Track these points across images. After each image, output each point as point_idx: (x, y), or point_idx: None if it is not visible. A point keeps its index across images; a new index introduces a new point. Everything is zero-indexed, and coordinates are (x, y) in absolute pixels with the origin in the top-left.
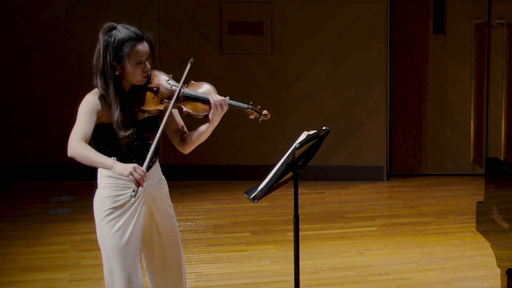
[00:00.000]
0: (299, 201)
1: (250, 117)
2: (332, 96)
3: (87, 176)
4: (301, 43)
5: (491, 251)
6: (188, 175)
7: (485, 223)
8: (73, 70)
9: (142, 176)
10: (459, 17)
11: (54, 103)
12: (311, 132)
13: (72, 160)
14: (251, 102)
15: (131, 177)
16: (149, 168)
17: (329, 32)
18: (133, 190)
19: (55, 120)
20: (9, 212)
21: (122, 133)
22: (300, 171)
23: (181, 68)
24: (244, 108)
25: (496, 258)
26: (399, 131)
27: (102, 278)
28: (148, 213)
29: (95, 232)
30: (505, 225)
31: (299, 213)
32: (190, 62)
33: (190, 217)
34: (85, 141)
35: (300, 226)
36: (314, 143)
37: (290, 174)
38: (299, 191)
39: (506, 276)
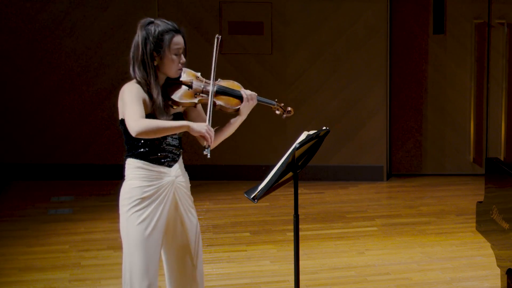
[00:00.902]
0: (299, 201)
1: (276, 112)
2: (332, 96)
3: (87, 176)
4: (301, 43)
5: (491, 251)
6: (188, 175)
7: (485, 223)
8: (73, 70)
9: (212, 135)
10: (459, 17)
11: (54, 103)
12: (311, 132)
13: (72, 160)
14: (276, 99)
15: (207, 134)
16: (174, 160)
17: (329, 32)
18: (207, 148)
19: (55, 120)
20: (9, 212)
21: (164, 118)
22: (300, 171)
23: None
24: (271, 104)
25: (496, 258)
26: (399, 131)
27: (102, 278)
28: (173, 204)
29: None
30: (505, 225)
31: (299, 213)
32: (217, 38)
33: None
34: None
35: (300, 226)
36: (314, 143)
37: (290, 174)
38: (299, 191)
39: (506, 276)
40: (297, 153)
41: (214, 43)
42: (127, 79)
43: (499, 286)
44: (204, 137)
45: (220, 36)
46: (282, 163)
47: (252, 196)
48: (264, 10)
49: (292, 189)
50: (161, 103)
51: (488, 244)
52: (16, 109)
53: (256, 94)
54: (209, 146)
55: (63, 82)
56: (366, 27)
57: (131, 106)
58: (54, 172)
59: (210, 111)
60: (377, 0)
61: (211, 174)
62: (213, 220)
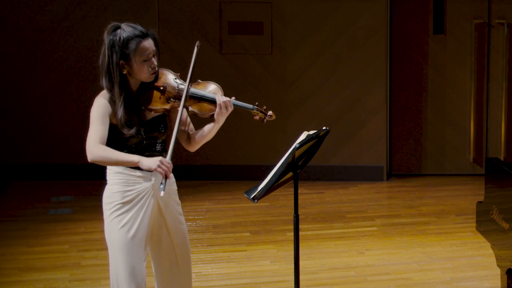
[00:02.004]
0: (299, 201)
1: (255, 118)
2: (332, 96)
3: (87, 176)
4: (301, 43)
5: (491, 251)
6: (188, 175)
7: (485, 223)
8: (73, 70)
9: (168, 168)
10: (459, 17)
11: (54, 103)
12: (311, 132)
13: (72, 160)
14: (257, 103)
15: (159, 169)
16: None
17: (329, 32)
18: (161, 183)
19: (55, 120)
20: (9, 212)
21: (126, 131)
22: (300, 171)
23: (181, 68)
24: (249, 108)
25: (496, 258)
26: (399, 131)
27: (102, 278)
28: (156, 209)
29: (102, 230)
30: (505, 225)
31: (299, 213)
32: (197, 46)
33: (190, 217)
34: (103, 144)
35: (300, 226)
36: (314, 143)
37: (290, 174)
38: (299, 191)
39: (506, 276)
40: (297, 153)
41: (193, 51)
42: None
43: (499, 286)
44: (158, 172)
45: (199, 43)
46: (282, 163)
47: (252, 196)
48: (264, 10)
49: (292, 189)
50: (122, 116)
51: (488, 244)
52: (16, 109)
53: (232, 99)
54: (164, 181)
55: (63, 82)
56: (366, 27)
57: (92, 126)
58: (54, 172)
59: (173, 142)
60: (377, 0)
61: (211, 174)
62: (213, 220)
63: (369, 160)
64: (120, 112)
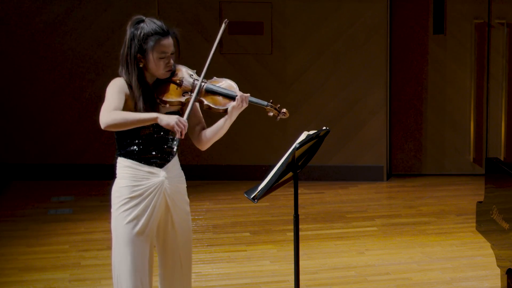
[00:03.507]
0: (299, 201)
1: (269, 114)
2: (332, 96)
3: (87, 176)
4: (301, 43)
5: (491, 251)
6: (188, 175)
7: (485, 223)
8: (73, 70)
9: (185, 127)
10: (459, 17)
11: (54, 103)
12: (311, 132)
13: (72, 160)
14: (271, 100)
15: (176, 127)
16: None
17: (329, 32)
18: (175, 140)
19: (55, 120)
20: (9, 212)
21: None
22: (300, 171)
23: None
24: (263, 105)
25: (496, 258)
26: (399, 131)
27: (102, 278)
28: (164, 206)
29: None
30: (505, 225)
31: (299, 213)
32: (225, 23)
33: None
34: None
35: (300, 226)
36: (314, 143)
37: (290, 174)
38: (299, 191)
39: (506, 276)
40: (297, 153)
41: (220, 31)
42: None
43: (499, 286)
44: (173, 130)
45: (227, 20)
46: (282, 163)
47: (252, 196)
48: (264, 10)
49: (292, 189)
50: (142, 107)
51: (488, 244)
52: (16, 109)
53: (249, 95)
54: (178, 139)
55: (63, 82)
56: (366, 27)
57: (107, 100)
58: (54, 172)
59: (191, 103)
60: (377, 0)
61: (211, 174)
62: (213, 220)
63: (369, 160)
64: (140, 103)
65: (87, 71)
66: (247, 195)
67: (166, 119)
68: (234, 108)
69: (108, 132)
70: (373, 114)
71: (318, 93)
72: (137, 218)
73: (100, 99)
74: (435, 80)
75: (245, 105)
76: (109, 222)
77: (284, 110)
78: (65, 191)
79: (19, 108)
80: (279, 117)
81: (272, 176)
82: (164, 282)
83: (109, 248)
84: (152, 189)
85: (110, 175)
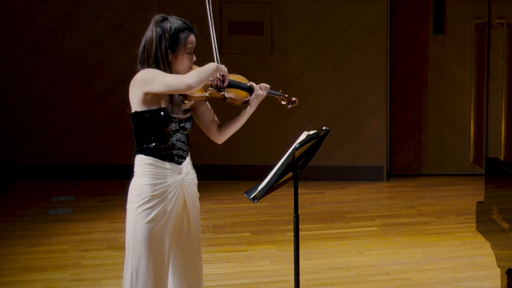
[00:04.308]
0: (299, 201)
1: (282, 102)
2: (332, 96)
3: (87, 176)
4: (301, 43)
5: (491, 251)
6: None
7: (485, 223)
8: (73, 70)
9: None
10: (459, 17)
11: (54, 103)
12: (311, 132)
13: (72, 160)
14: (280, 91)
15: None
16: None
17: (329, 32)
18: (223, 88)
19: (55, 120)
20: (9, 212)
21: (180, 113)
22: (300, 171)
23: None
24: (278, 95)
25: (496, 258)
26: (399, 131)
27: (102, 278)
28: (182, 202)
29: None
30: (505, 225)
31: (299, 213)
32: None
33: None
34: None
35: (300, 226)
36: (314, 143)
37: (290, 174)
38: (299, 191)
39: (506, 276)
40: (297, 153)
41: (206, 5)
42: (128, 79)
43: (499, 286)
44: (226, 77)
45: None
46: (282, 163)
47: (252, 196)
48: (264, 10)
49: (292, 189)
50: (177, 97)
51: (488, 244)
52: (16, 109)
53: (269, 86)
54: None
55: (63, 82)
56: (366, 27)
57: (161, 75)
58: (54, 172)
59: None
60: (377, 0)
61: (211, 174)
62: (213, 220)
63: (369, 160)
64: (176, 95)
65: (87, 71)
66: (247, 195)
67: (222, 67)
68: (254, 98)
69: (108, 132)
70: (373, 114)
71: (318, 93)
72: (158, 216)
73: (100, 99)
74: (435, 80)
75: (265, 94)
76: (124, 222)
77: (294, 98)
78: (65, 191)
79: (19, 108)
80: (290, 106)
81: (272, 176)
82: (178, 276)
83: (109, 248)
84: (173, 186)
85: (110, 175)
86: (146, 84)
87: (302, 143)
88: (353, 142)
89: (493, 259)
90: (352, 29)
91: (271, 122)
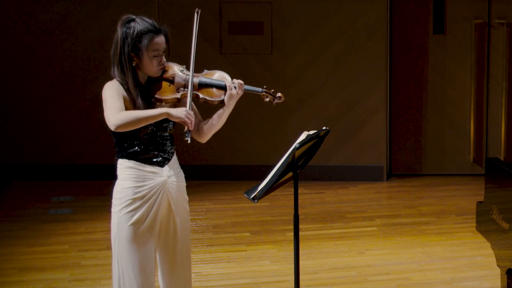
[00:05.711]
0: (299, 201)
1: (265, 100)
2: (332, 96)
3: (87, 176)
4: (301, 43)
5: (491, 251)
6: (188, 175)
7: (485, 223)
8: (73, 70)
9: (193, 117)
10: (459, 17)
11: (54, 103)
12: (311, 132)
13: (72, 160)
14: (265, 86)
15: (186, 119)
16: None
17: (329, 32)
18: (187, 132)
19: (55, 120)
20: (9, 212)
21: None
22: (300, 171)
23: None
24: (258, 92)
25: (496, 258)
26: (399, 131)
27: (102, 278)
28: (167, 205)
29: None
30: (505, 225)
31: (299, 213)
32: (197, 12)
33: (190, 217)
34: None
35: (300, 226)
36: (314, 143)
37: (290, 174)
38: (299, 191)
39: (506, 276)
40: (297, 153)
41: (194, 21)
42: None
43: (499, 286)
44: (184, 122)
45: (199, 10)
46: (282, 163)
47: (252, 196)
48: (264, 10)
49: (292, 189)
50: (141, 104)
51: (488, 244)
52: (16, 109)
53: (243, 82)
54: (189, 130)
55: (63, 82)
56: (366, 27)
57: (110, 101)
58: (54, 172)
59: (189, 96)
60: (377, 0)
61: (211, 174)
62: (213, 220)
63: (369, 160)
64: (139, 101)
65: (87, 71)
66: (247, 195)
67: (175, 113)
68: (231, 97)
69: (108, 132)
70: (373, 114)
71: (318, 93)
72: (141, 219)
73: (100, 99)
74: (435, 80)
75: (240, 93)
76: (109, 223)
77: (279, 94)
78: (65, 191)
79: (19, 108)
80: (275, 102)
81: (272, 176)
82: (166, 280)
83: (109, 248)
84: (155, 189)
85: (110, 175)
86: (104, 104)
87: (302, 143)
88: (353, 142)
89: (493, 259)
90: (352, 29)
91: (271, 122)
